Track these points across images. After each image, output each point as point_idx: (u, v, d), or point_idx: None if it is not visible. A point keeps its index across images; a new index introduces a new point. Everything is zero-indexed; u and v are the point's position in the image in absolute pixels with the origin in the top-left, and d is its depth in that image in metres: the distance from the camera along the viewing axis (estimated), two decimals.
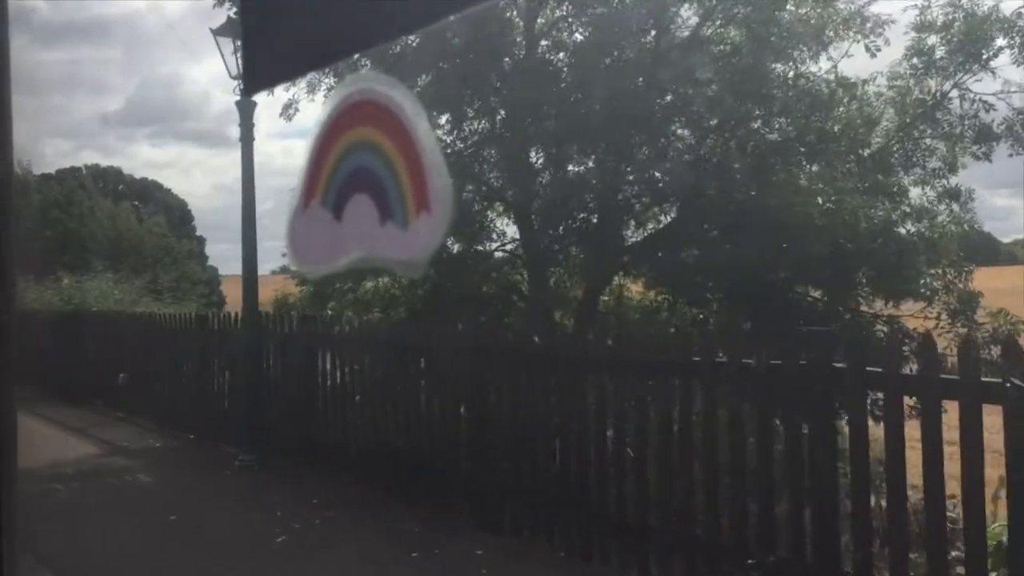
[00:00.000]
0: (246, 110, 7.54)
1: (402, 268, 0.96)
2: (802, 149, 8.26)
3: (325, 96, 11.33)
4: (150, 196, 44.21)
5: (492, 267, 11.47)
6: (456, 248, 11.71)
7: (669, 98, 8.42)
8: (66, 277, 14.54)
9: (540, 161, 10.02)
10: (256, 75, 1.06)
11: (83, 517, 5.91)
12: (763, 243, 7.11)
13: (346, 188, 0.97)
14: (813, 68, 8.83)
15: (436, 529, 5.46)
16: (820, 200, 6.98)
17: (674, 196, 8.25)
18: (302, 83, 10.88)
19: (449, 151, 11.08)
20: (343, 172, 0.97)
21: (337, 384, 6.94)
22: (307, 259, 1.04)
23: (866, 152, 8.72)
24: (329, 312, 11.78)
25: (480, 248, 11.50)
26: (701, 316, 8.21)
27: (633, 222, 9.17)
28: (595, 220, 9.21)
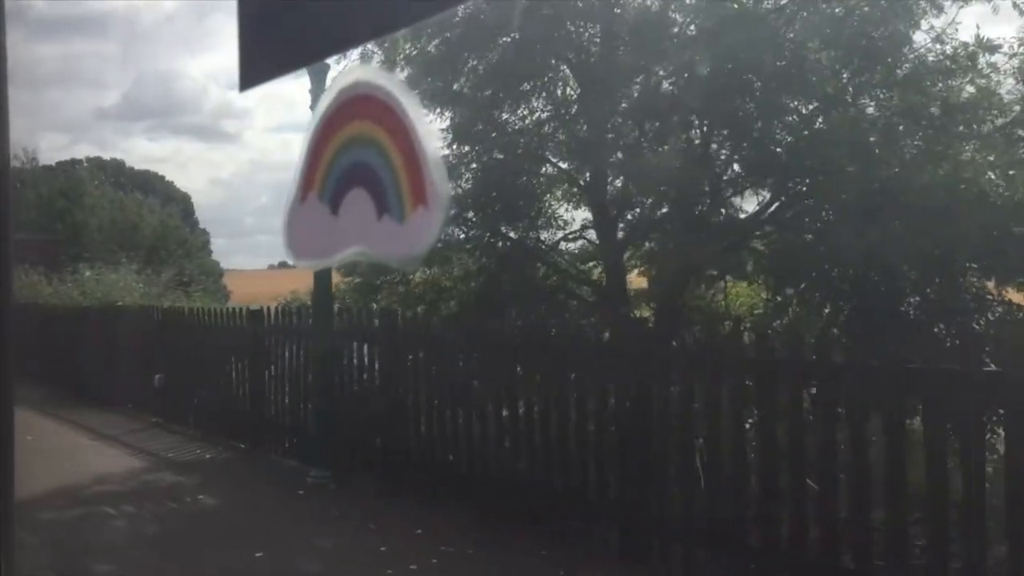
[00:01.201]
0: (318, 75, 6.60)
1: (399, 262, 1.08)
2: (922, 122, 7.29)
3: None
4: (152, 188, 43.18)
5: (555, 256, 10.52)
6: (513, 236, 10.81)
7: (783, 63, 7.44)
8: (87, 269, 13.56)
9: (624, 138, 9.03)
10: (253, 69, 1.02)
11: (151, 553, 4.99)
12: (915, 227, 6.15)
13: (343, 182, 0.96)
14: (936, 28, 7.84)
15: (579, 564, 4.55)
16: (992, 175, 6.04)
17: (790, 174, 7.28)
18: (354, 54, 9.93)
19: (509, 130, 10.17)
20: (340, 166, 0.96)
21: (434, 392, 6.00)
22: (303, 252, 1.02)
23: (998, 122, 7.73)
24: (373, 305, 10.85)
25: (541, 236, 10.57)
26: (827, 311, 7.25)
27: (733, 205, 8.18)
28: (686, 203, 8.23)
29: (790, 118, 7.66)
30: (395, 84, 0.91)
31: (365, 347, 6.60)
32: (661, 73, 8.25)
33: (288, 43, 0.98)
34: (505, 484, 5.35)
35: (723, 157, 7.80)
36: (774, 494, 4.06)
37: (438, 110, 10.66)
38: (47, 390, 12.33)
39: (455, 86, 10.06)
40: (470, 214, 10.92)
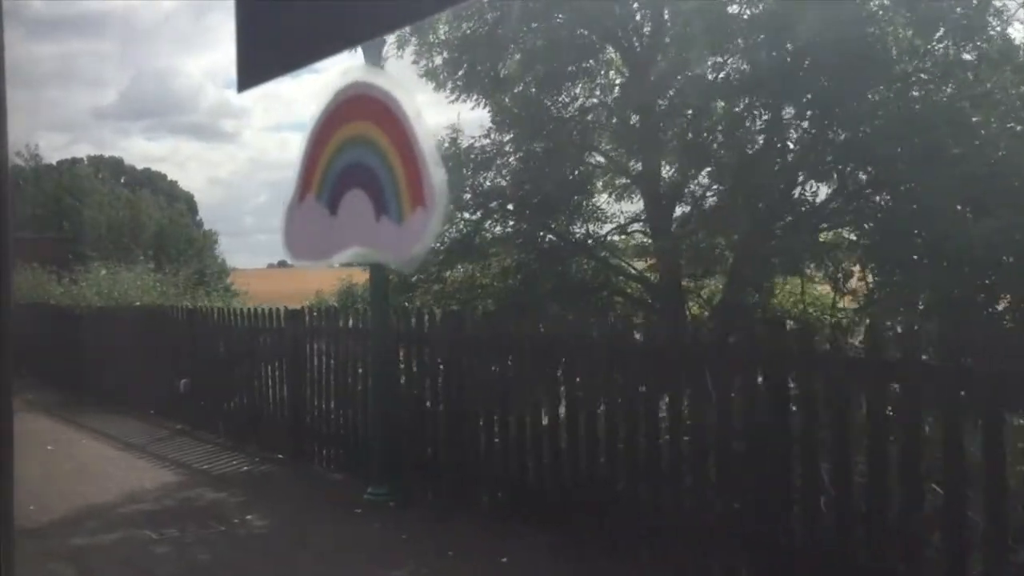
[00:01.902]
0: (371, 50, 6.03)
1: (397, 262, 0.95)
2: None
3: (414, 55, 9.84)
4: (155, 187, 42.56)
5: (601, 251, 9.93)
6: (555, 230, 10.24)
7: (863, 40, 6.85)
8: (102, 268, 12.97)
9: (683, 123, 8.44)
10: (251, 69, 1.02)
11: None
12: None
13: (341, 182, 0.96)
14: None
15: None
16: None
17: (877, 158, 6.69)
18: (391, 39, 9.36)
19: (555, 117, 9.59)
20: (338, 166, 0.97)
21: (508, 400, 5.41)
22: (302, 252, 1.02)
23: None
24: (406, 304, 10.27)
25: (586, 230, 9.99)
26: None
27: (807, 193, 7.58)
28: (757, 191, 7.64)
29: (874, 97, 7.08)
30: (393, 84, 0.91)
31: (427, 351, 6.01)
32: (727, 59, 7.66)
33: (286, 43, 0.97)
34: (600, 505, 4.76)
35: (800, 141, 7.20)
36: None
37: (476, 97, 10.15)
38: (63, 394, 11.77)
39: (500, 68, 9.49)
40: (509, 207, 10.41)
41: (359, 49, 6.93)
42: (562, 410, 5.02)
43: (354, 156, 0.95)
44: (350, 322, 6.83)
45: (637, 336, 4.76)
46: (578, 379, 4.93)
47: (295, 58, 0.97)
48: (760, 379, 4.22)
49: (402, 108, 0.89)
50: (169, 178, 52.75)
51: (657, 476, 4.48)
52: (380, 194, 0.92)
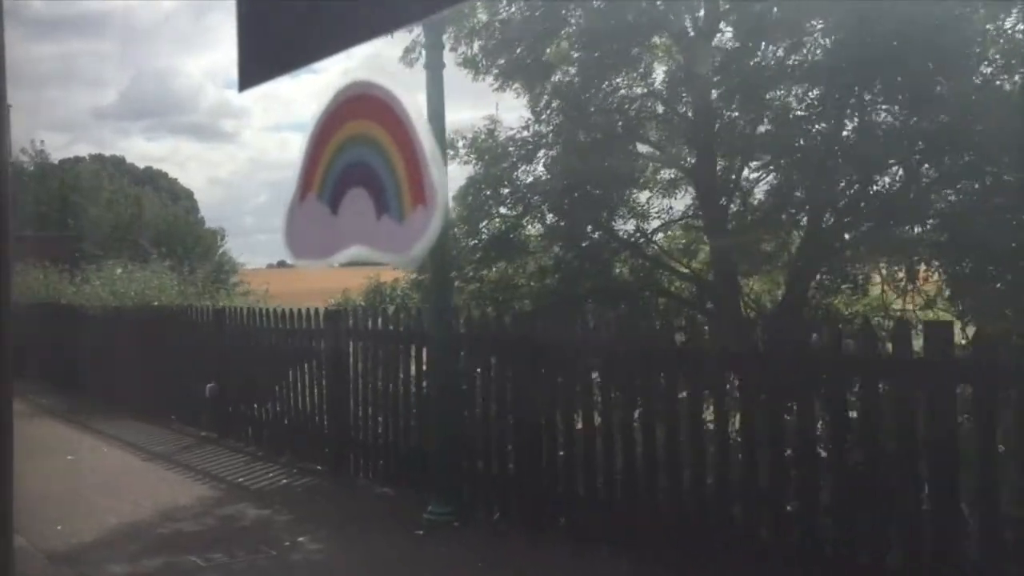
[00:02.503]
0: (433, 30, 5.54)
1: (398, 262, 0.93)
2: None
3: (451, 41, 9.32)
4: (156, 185, 42.02)
5: (647, 248, 9.41)
6: (596, 226, 9.74)
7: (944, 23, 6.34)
8: (117, 267, 12.45)
9: (738, 113, 7.92)
10: (252, 69, 1.03)
11: None
12: None
13: (342, 181, 0.97)
14: None
15: None
16: None
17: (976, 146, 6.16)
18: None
19: (601, 107, 9.08)
20: (340, 166, 0.97)
21: (588, 411, 4.90)
22: (303, 252, 1.03)
23: None
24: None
25: (630, 226, 9.48)
26: None
27: (883, 183, 7.05)
28: (824, 183, 7.12)
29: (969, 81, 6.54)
30: (394, 83, 0.91)
31: (494, 355, 5.49)
32: (799, 43, 7.14)
33: (287, 43, 0.96)
34: (708, 531, 4.26)
35: (885, 129, 6.66)
36: None
37: (516, 86, 9.64)
38: (77, 399, 11.25)
39: (542, 55, 8.97)
40: (549, 202, 9.90)
41: (418, 28, 6.47)
42: (659, 425, 4.50)
43: (355, 155, 0.95)
44: (402, 324, 6.31)
45: (759, 343, 4.25)
46: (683, 389, 4.41)
47: (296, 58, 0.96)
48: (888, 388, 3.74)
49: (403, 107, 0.89)
50: (170, 176, 52.28)
51: (780, 498, 3.97)
52: (381, 193, 0.92)
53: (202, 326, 9.09)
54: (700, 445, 4.28)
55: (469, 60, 9.51)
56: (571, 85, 8.91)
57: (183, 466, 7.36)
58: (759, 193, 8.83)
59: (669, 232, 9.88)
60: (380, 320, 6.58)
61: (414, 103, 0.89)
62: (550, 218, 9.90)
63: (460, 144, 9.90)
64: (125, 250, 20.06)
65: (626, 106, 8.92)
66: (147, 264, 12.69)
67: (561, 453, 5.01)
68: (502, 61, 9.40)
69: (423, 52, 9.61)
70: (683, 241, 9.94)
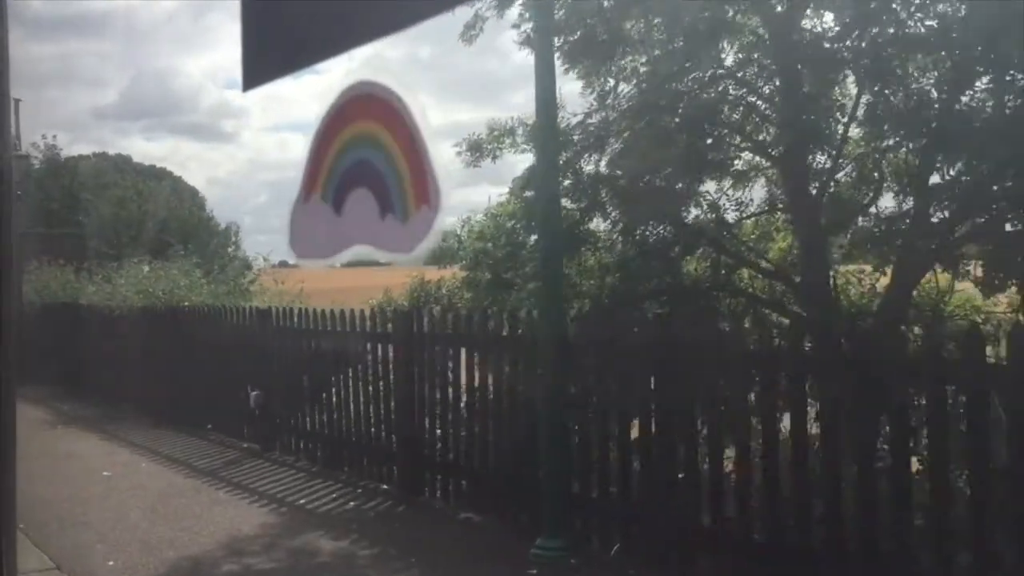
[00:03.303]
0: (542, 13, 4.86)
1: (402, 259, 0.92)
2: None
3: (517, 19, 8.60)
4: (162, 184, 41.29)
5: (729, 243, 8.66)
6: (667, 219, 9.01)
7: None
8: (144, 264, 11.72)
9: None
10: (256, 69, 1.03)
11: None
12: None
13: (347, 182, 0.98)
14: None
15: None
16: None
17: None
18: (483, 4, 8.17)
19: (677, 88, 8.35)
20: (344, 166, 0.98)
21: (737, 430, 4.18)
22: (307, 251, 1.03)
23: None
24: (487, 306, 9.04)
25: (709, 219, 8.74)
26: None
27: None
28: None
29: None
30: (396, 83, 0.90)
31: (615, 363, 4.77)
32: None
33: (291, 44, 0.96)
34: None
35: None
36: None
37: (584, 66, 8.93)
38: (103, 407, 10.54)
39: (615, 32, 8.24)
40: (614, 194, 9.18)
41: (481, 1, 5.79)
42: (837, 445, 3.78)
43: (359, 155, 0.96)
44: (489, 326, 5.59)
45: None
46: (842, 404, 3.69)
47: (299, 59, 0.95)
48: None
49: (406, 107, 0.90)
50: (175, 174, 51.59)
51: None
52: (385, 193, 0.93)
53: (243, 328, 8.38)
54: (869, 468, 3.56)
55: (531, 39, 8.80)
56: (652, 64, 8.20)
57: (233, 485, 6.65)
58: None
59: (736, 228, 9.17)
60: (467, 322, 5.86)
61: (416, 103, 0.89)
62: (614, 212, 9.20)
63: (520, 131, 9.19)
64: (139, 247, 19.36)
65: (709, 89, 8.19)
66: (173, 262, 11.96)
67: (703, 479, 4.28)
68: (570, 39, 8.71)
69: (482, 29, 8.92)
70: (753, 235, 9.22)
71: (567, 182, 9.22)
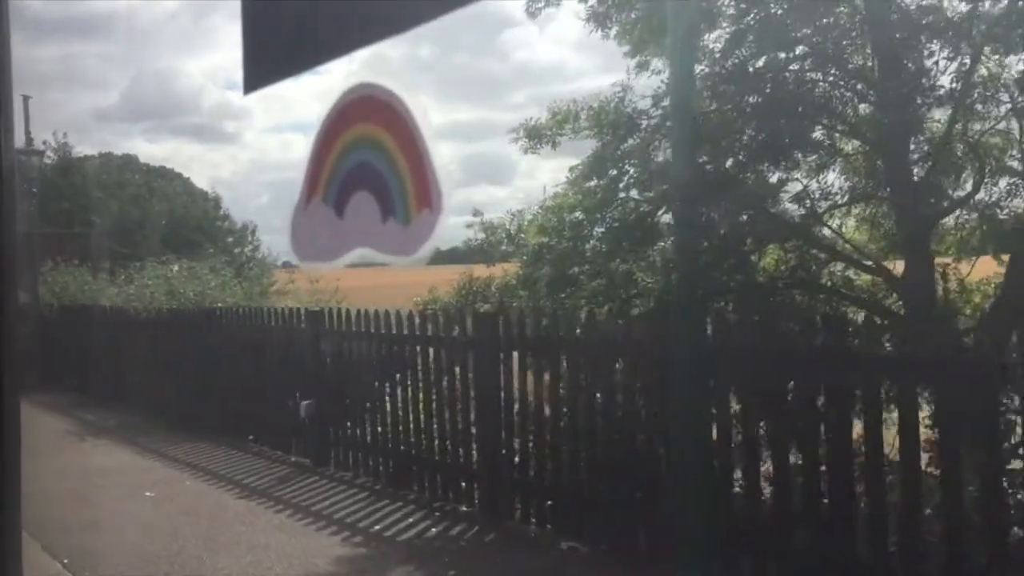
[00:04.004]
0: None
1: (403, 263, 0.93)
2: None
3: None
4: (171, 184, 40.64)
5: (819, 235, 7.96)
6: (746, 209, 8.33)
7: None
8: (174, 263, 11.06)
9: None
10: (257, 72, 1.02)
11: None
12: None
13: (348, 184, 0.96)
14: None
15: None
16: None
17: None
18: None
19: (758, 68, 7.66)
20: (345, 168, 0.96)
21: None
22: (308, 253, 1.02)
23: None
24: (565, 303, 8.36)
25: (800, 208, 8.06)
26: None
27: None
28: None
29: None
30: (397, 85, 0.89)
31: (780, 373, 4.08)
32: None
33: (292, 47, 0.95)
34: None
35: None
36: None
37: (655, 46, 8.27)
38: (130, 415, 9.87)
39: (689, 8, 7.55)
40: (683, 183, 8.49)
41: None
42: None
43: (360, 158, 0.93)
44: (596, 330, 4.90)
45: None
46: None
47: (300, 61, 0.95)
48: None
49: (408, 109, 0.88)
50: (184, 176, 51.00)
51: None
52: (387, 196, 0.91)
53: (290, 331, 7.71)
54: None
55: (597, 16, 8.15)
56: (732, 39, 7.52)
57: (291, 506, 5.98)
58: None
59: (828, 219, 8.47)
60: (567, 323, 5.17)
61: (418, 104, 0.87)
62: (680, 203, 8.51)
63: (583, 115, 8.52)
64: (156, 246, 18.74)
65: (794, 67, 7.50)
66: (204, 260, 11.31)
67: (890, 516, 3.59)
68: (638, 16, 8.05)
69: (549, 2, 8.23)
70: (844, 227, 8.52)
71: (632, 171, 8.56)
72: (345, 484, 6.58)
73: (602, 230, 8.40)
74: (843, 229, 8.49)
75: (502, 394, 5.45)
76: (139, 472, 7.17)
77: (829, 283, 8.28)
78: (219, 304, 9.58)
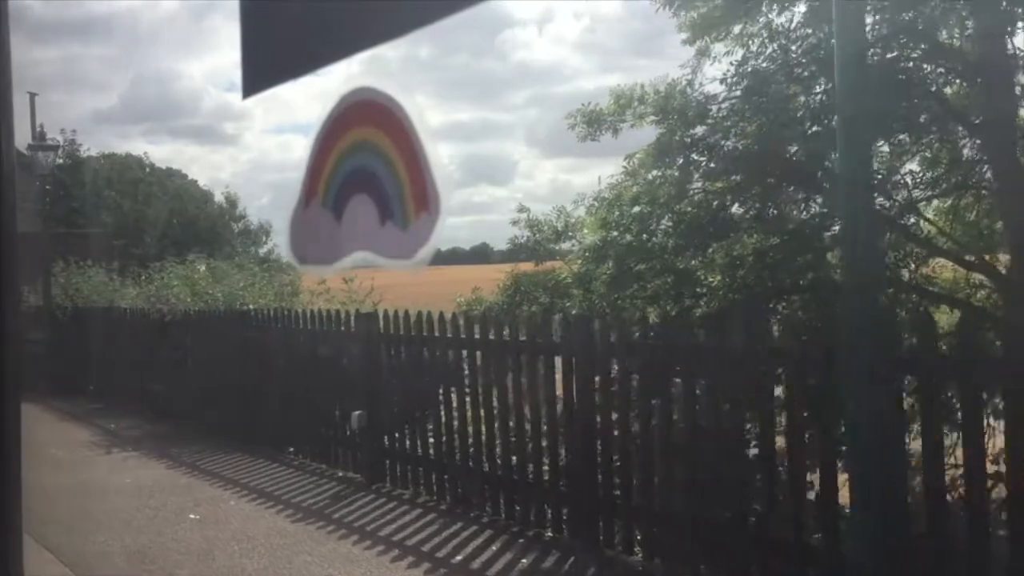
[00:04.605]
0: None
1: (401, 267, 0.93)
2: None
3: None
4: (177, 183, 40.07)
5: (907, 229, 7.34)
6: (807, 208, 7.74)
7: None
8: (201, 263, 10.44)
9: None
10: (255, 75, 1.02)
11: None
12: None
13: (347, 188, 0.97)
14: None
15: None
16: None
17: None
18: None
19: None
20: (344, 172, 0.97)
21: None
22: (307, 257, 1.03)
23: None
24: (617, 301, 7.74)
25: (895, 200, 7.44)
26: None
27: None
28: None
29: None
30: (396, 87, 0.90)
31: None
32: None
33: (290, 50, 0.95)
34: None
35: None
36: None
37: (732, 23, 7.69)
38: (157, 424, 9.29)
39: None
40: (753, 174, 7.89)
41: None
42: None
43: (359, 161, 0.93)
44: (742, 335, 4.28)
45: None
46: None
47: (299, 65, 0.95)
48: None
49: (406, 113, 0.88)
50: (190, 177, 50.67)
51: None
52: (385, 199, 0.91)
53: (337, 335, 7.10)
54: None
55: None
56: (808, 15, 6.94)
57: (355, 531, 5.37)
58: None
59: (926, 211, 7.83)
60: (686, 327, 4.57)
61: (416, 107, 0.87)
62: (754, 191, 7.89)
63: (650, 101, 7.92)
64: (169, 246, 18.18)
65: (892, 42, 6.87)
66: (231, 260, 10.71)
67: None
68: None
69: None
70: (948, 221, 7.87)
71: (698, 158, 7.97)
72: (406, 504, 5.98)
73: (669, 224, 7.81)
74: (920, 223, 7.89)
75: (598, 407, 4.84)
76: (178, 490, 6.56)
77: (913, 280, 7.68)
78: (250, 305, 8.97)
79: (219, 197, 25.98)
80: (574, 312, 7.70)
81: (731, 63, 7.71)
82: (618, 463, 4.76)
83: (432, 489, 6.10)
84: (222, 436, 8.29)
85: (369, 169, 0.93)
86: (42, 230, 14.67)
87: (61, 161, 22.76)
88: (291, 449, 7.66)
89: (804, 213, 7.87)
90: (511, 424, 5.45)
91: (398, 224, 0.90)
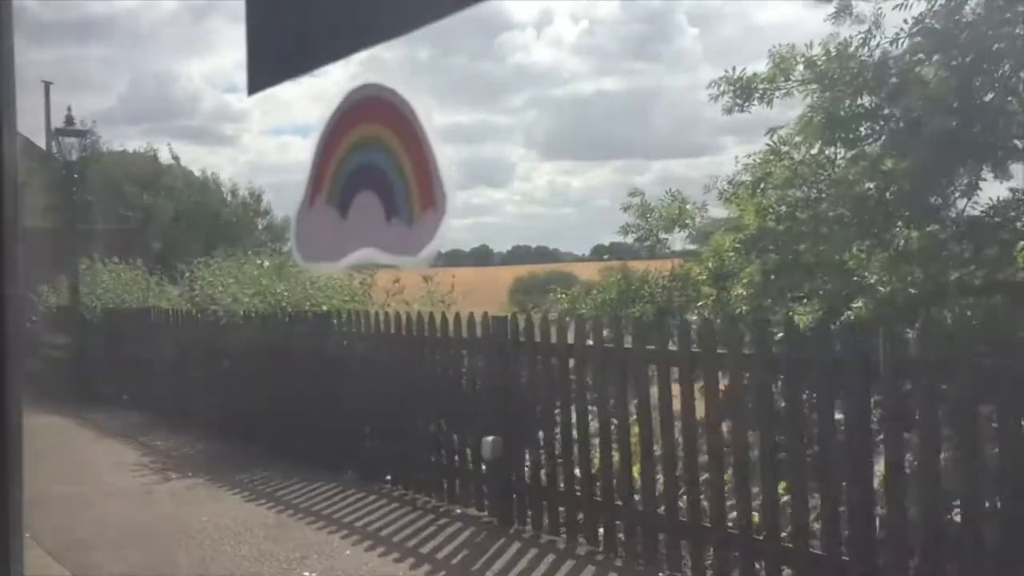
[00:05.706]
0: None
1: (406, 264, 0.92)
2: None
3: None
4: (187, 180, 38.96)
5: None
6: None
7: None
8: (263, 258, 9.18)
9: None
10: (261, 73, 1.00)
11: None
12: None
13: (352, 185, 0.96)
14: None
15: None
16: None
17: None
18: None
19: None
20: (349, 169, 0.96)
21: None
22: (313, 255, 1.02)
23: None
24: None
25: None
26: None
27: None
28: None
29: None
30: (400, 84, 0.89)
31: None
32: None
33: (296, 47, 0.95)
34: None
35: None
36: None
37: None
38: (211, 444, 8.05)
39: None
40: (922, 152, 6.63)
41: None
42: None
43: (365, 158, 0.93)
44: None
45: None
46: None
47: (305, 62, 0.96)
48: None
49: (412, 109, 0.88)
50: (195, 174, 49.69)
51: None
52: (390, 195, 0.91)
53: (457, 343, 5.85)
54: None
55: None
56: None
57: None
58: None
59: None
60: None
61: (421, 105, 0.87)
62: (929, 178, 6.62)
63: (820, 63, 6.66)
64: (194, 242, 16.98)
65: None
66: (275, 256, 9.48)
67: None
68: None
69: None
70: None
71: (865, 131, 6.74)
72: (572, 558, 4.73)
73: (843, 209, 6.57)
74: None
75: (881, 443, 3.59)
76: (271, 532, 5.31)
77: None
78: (324, 307, 7.71)
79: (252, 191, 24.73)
80: (706, 315, 6.50)
81: (909, 18, 6.48)
82: (919, 518, 3.49)
83: (597, 539, 4.85)
84: (290, 459, 7.06)
85: (375, 165, 0.91)
86: (65, 225, 13.50)
87: (84, 154, 21.62)
88: (388, 477, 6.42)
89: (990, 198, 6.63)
90: (726, 463, 4.20)
91: (404, 220, 0.88)
